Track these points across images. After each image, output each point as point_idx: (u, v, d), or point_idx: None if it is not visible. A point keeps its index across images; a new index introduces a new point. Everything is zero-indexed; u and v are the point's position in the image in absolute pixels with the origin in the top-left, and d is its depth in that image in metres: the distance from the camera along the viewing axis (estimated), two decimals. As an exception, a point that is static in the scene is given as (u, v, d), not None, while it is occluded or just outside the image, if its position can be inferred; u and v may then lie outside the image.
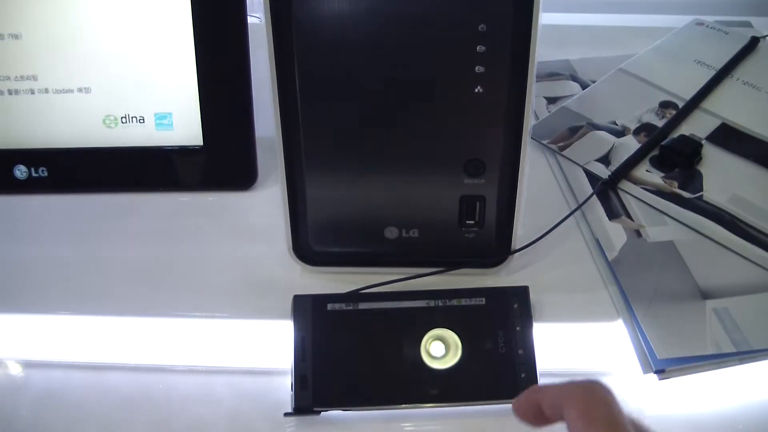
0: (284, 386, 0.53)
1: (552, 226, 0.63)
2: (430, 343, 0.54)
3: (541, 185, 0.71)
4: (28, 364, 0.57)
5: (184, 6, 0.65)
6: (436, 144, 0.56)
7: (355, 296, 0.57)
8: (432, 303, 0.55)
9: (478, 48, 0.52)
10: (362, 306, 0.55)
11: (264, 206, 0.68)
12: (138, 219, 0.68)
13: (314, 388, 0.52)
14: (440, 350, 0.53)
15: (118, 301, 0.61)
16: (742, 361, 0.55)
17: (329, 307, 0.55)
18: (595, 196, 0.68)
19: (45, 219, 0.68)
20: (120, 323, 0.59)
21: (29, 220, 0.68)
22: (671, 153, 0.72)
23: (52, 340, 0.58)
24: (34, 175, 0.70)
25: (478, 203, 0.58)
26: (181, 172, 0.70)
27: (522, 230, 0.60)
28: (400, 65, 0.53)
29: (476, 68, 0.52)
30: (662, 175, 0.70)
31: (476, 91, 0.53)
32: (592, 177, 0.71)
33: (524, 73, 0.52)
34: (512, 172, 0.57)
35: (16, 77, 0.67)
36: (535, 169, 0.73)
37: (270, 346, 0.57)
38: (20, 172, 0.70)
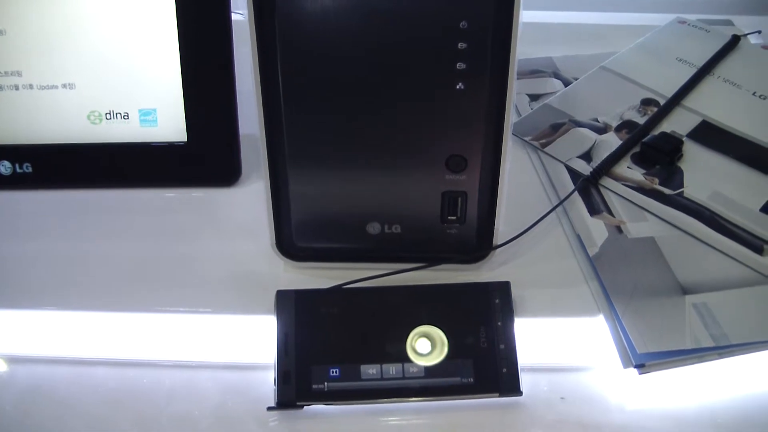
0: (268, 381, 0.53)
1: (533, 222, 0.63)
2: (416, 340, 0.54)
3: (523, 181, 0.71)
4: (13, 360, 0.57)
5: (169, 3, 0.65)
6: (418, 140, 0.56)
7: (338, 291, 0.57)
8: (414, 298, 0.56)
9: (459, 45, 0.52)
10: (345, 301, 0.56)
11: (248, 202, 0.69)
12: (122, 215, 0.68)
13: (297, 382, 0.52)
14: (426, 347, 0.54)
15: (102, 296, 0.61)
16: (721, 356, 0.55)
17: (312, 302, 0.55)
18: (576, 192, 0.69)
19: (29, 215, 0.68)
20: (104, 318, 0.59)
21: (13, 216, 0.68)
22: (652, 150, 0.72)
23: (37, 336, 0.58)
24: (18, 170, 0.70)
25: (460, 199, 0.58)
26: (165, 168, 0.70)
27: (504, 226, 0.60)
28: (383, 62, 0.53)
29: (458, 65, 0.52)
30: (643, 171, 0.71)
31: (458, 87, 0.53)
32: (573, 173, 0.71)
33: (505, 71, 0.53)
34: (494, 169, 0.57)
35: (1, 73, 0.67)
36: (517, 166, 0.73)
37: (253, 341, 0.57)
38: (4, 167, 0.70)
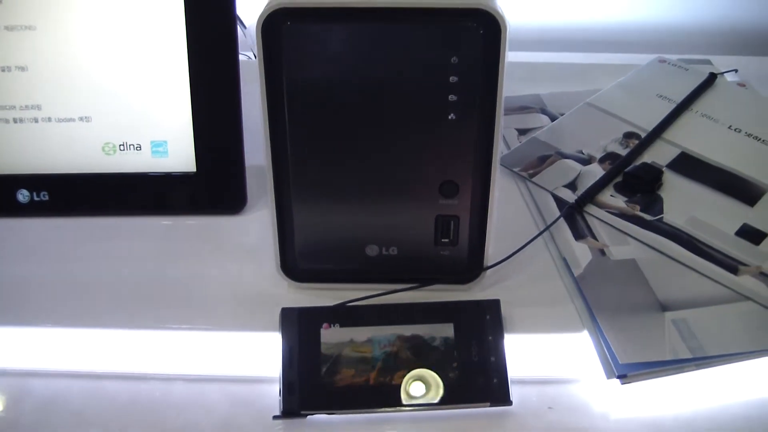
0: (273, 392, 0.55)
1: (522, 245, 0.65)
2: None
3: (512, 209, 0.73)
4: (30, 374, 0.58)
5: (180, 43, 0.68)
6: (413, 167, 0.58)
7: (339, 309, 0.59)
8: (409, 316, 0.57)
9: (451, 79, 0.54)
10: (345, 317, 0.58)
11: (253, 229, 0.71)
12: (134, 240, 0.70)
13: (301, 393, 0.54)
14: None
15: (116, 315, 0.62)
16: (698, 367, 0.57)
17: (314, 319, 0.57)
18: (562, 218, 0.70)
19: (46, 240, 0.70)
20: (118, 335, 0.61)
21: (31, 242, 0.70)
22: (634, 179, 0.74)
23: (53, 351, 0.60)
24: (35, 199, 0.71)
25: (452, 223, 0.60)
26: (176, 197, 0.72)
27: (493, 249, 0.62)
28: (381, 96, 0.55)
29: (449, 97, 0.55)
30: (625, 199, 0.73)
31: (450, 117, 0.55)
32: (559, 201, 0.73)
33: (493, 102, 0.55)
34: (484, 194, 0.59)
35: (22, 107, 0.69)
36: (507, 195, 0.75)
37: (260, 356, 0.58)
38: (23, 196, 0.71)
